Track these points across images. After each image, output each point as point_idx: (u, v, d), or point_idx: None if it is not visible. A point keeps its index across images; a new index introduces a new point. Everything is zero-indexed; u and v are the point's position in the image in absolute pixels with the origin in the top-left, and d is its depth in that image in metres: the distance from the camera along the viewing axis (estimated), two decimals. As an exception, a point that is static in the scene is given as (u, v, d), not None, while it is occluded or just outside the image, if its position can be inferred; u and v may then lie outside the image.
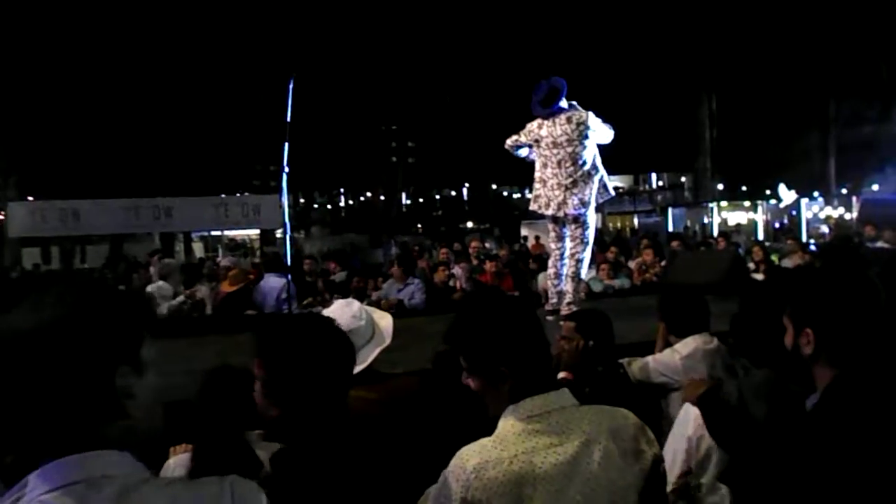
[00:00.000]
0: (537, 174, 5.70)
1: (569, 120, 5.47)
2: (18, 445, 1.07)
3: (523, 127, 5.83)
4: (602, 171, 5.59)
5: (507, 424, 1.67)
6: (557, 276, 5.74)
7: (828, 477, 1.51)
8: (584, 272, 5.85)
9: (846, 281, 1.71)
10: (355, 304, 2.64)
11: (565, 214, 5.60)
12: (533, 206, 5.82)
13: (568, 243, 5.68)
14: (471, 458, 1.60)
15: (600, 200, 5.65)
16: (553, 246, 5.85)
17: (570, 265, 5.65)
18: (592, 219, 5.73)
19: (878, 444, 1.51)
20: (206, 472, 1.15)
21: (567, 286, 5.65)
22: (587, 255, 5.73)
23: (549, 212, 5.64)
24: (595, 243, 6.18)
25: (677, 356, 3.24)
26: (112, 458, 1.03)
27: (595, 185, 5.51)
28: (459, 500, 1.55)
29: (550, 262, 5.89)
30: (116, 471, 1.02)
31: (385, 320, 2.65)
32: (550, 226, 5.81)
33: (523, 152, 5.88)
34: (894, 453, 1.50)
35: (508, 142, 5.91)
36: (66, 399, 1.01)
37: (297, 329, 1.91)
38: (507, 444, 1.61)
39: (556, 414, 1.68)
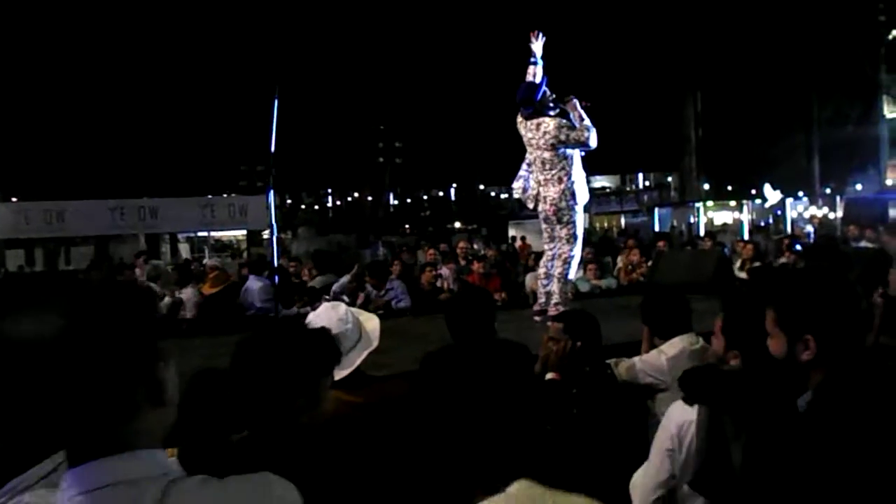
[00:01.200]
0: (529, 160, 5.77)
1: (537, 127, 5.55)
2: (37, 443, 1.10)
3: (514, 125, 5.87)
4: (575, 177, 5.58)
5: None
6: (547, 276, 5.76)
7: (826, 475, 1.52)
8: (573, 273, 5.87)
9: (838, 284, 1.72)
10: (342, 307, 2.63)
11: (534, 209, 5.70)
12: (515, 185, 5.87)
13: (556, 244, 5.71)
14: None
15: (568, 204, 5.62)
16: (546, 247, 5.89)
17: (557, 266, 5.67)
18: (580, 220, 5.74)
19: (875, 442, 1.52)
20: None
21: (554, 287, 5.67)
22: (576, 257, 5.75)
23: (530, 205, 5.76)
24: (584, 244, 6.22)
25: (664, 357, 3.24)
26: (147, 457, 1.04)
27: (562, 189, 5.53)
28: None
29: (542, 262, 5.93)
30: (154, 472, 1.03)
31: (371, 322, 2.63)
32: (543, 226, 5.86)
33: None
34: (889, 449, 1.51)
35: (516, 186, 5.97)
36: (98, 399, 1.01)
37: (261, 340, 1.93)
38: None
39: None
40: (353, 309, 2.72)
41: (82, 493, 0.99)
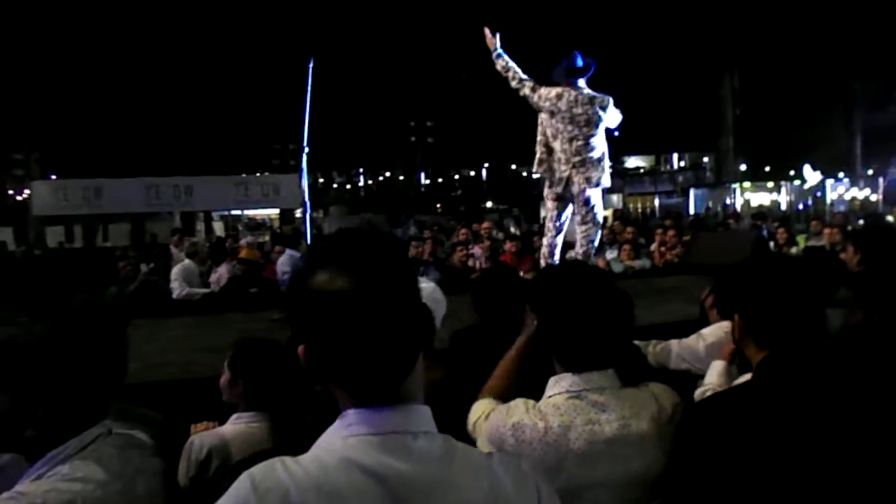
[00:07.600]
0: (544, 142, 5.60)
1: (591, 101, 5.33)
2: (44, 421, 1.24)
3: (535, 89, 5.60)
4: (607, 158, 5.51)
5: (550, 397, 1.73)
6: (551, 254, 5.66)
7: (748, 454, 1.50)
8: (595, 247, 5.72)
9: (768, 268, 1.75)
10: (437, 289, 2.59)
11: (570, 195, 5.52)
12: (538, 170, 5.68)
13: (577, 226, 5.56)
14: (513, 414, 1.70)
15: (605, 185, 5.53)
16: (550, 225, 5.74)
17: (581, 245, 5.56)
18: (598, 199, 5.58)
19: (803, 421, 1.51)
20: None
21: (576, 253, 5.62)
22: (597, 236, 5.63)
23: (558, 189, 5.54)
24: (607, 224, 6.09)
25: (702, 343, 2.93)
26: (415, 414, 1.10)
27: (601, 169, 5.43)
28: (497, 448, 1.65)
29: (546, 241, 5.76)
30: (426, 428, 1.09)
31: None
32: (551, 204, 5.68)
33: (513, 83, 5.68)
34: (818, 428, 1.49)
35: (504, 72, 5.68)
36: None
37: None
38: (545, 416, 1.68)
39: (595, 393, 1.71)
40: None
41: (369, 434, 1.05)
